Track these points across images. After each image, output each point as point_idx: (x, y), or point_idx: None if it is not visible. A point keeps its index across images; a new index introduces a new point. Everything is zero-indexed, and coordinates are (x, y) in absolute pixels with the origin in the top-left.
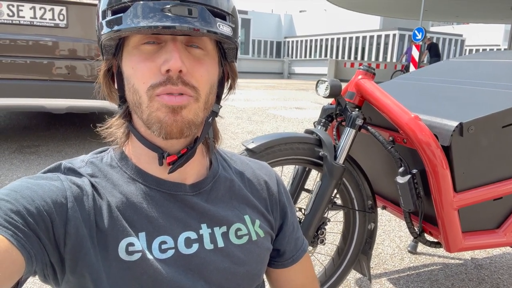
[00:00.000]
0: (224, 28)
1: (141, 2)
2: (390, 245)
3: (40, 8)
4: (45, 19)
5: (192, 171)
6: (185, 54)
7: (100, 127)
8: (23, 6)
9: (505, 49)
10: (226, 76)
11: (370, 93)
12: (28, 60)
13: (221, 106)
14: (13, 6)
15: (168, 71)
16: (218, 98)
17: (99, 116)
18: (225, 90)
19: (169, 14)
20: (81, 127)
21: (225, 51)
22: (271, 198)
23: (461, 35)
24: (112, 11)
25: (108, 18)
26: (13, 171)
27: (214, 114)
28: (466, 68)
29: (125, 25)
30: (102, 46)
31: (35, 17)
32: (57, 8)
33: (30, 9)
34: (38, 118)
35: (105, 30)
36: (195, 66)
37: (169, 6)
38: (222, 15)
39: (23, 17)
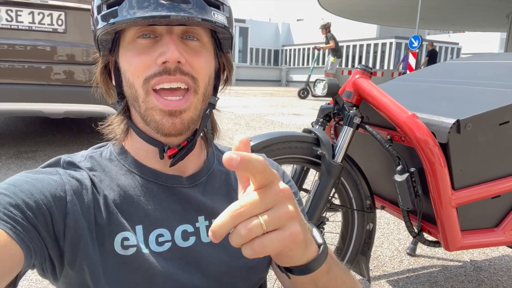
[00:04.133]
0: (219, 17)
1: None
2: (389, 247)
3: (38, 13)
4: (44, 24)
5: (190, 164)
6: (182, 47)
7: (101, 125)
8: (21, 11)
9: None
10: (222, 68)
11: (368, 92)
12: (26, 65)
13: (218, 98)
14: (11, 11)
15: (164, 62)
16: (215, 89)
17: (97, 120)
18: (222, 83)
19: (164, 2)
20: (79, 132)
21: (221, 42)
22: None
23: (457, 43)
24: (107, 5)
25: (103, 12)
26: (10, 176)
27: (212, 106)
28: (462, 69)
29: (121, 17)
30: (98, 41)
31: (33, 22)
32: (55, 13)
33: (29, 14)
34: (35, 123)
35: (101, 24)
36: (193, 57)
37: None
38: (216, 5)
39: (22, 22)
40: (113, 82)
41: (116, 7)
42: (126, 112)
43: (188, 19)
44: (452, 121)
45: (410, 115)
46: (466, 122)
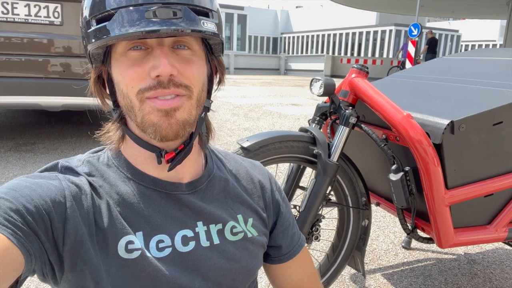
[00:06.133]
0: (208, 25)
1: (124, 8)
2: (385, 240)
3: (34, 6)
4: (40, 16)
5: (188, 170)
6: (174, 57)
7: (97, 133)
8: (17, 3)
9: (500, 44)
10: (214, 71)
11: (364, 91)
12: (23, 58)
13: (212, 101)
14: (7, 3)
15: (157, 76)
16: (209, 93)
17: (95, 113)
18: (215, 85)
19: (154, 18)
20: (77, 125)
21: (211, 47)
22: (264, 196)
23: (457, 31)
24: (96, 20)
25: (93, 28)
26: (9, 169)
27: (206, 109)
28: (459, 66)
29: (112, 34)
30: (90, 55)
31: (29, 15)
32: (51, 6)
33: (25, 6)
34: (33, 116)
35: (92, 40)
36: (185, 67)
37: (153, 9)
38: (205, 13)
39: (18, 14)
40: (107, 91)
41: (106, 23)
42: (121, 119)
43: (177, 32)
44: (446, 122)
45: (405, 116)
46: (460, 123)
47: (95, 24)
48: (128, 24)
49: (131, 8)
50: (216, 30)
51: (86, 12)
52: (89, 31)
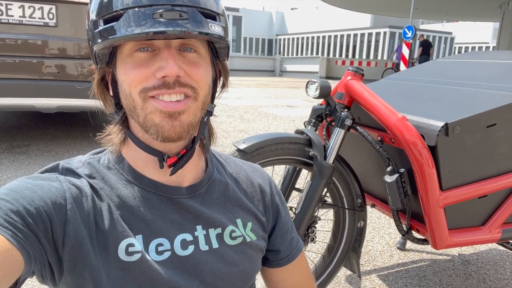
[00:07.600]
0: (215, 28)
1: (132, 9)
2: (380, 242)
3: (29, 7)
4: (34, 18)
5: (189, 174)
6: (181, 59)
7: (99, 135)
8: (11, 4)
9: (493, 47)
10: (219, 75)
11: (359, 94)
12: (18, 59)
13: (215, 105)
14: (1, 4)
15: (163, 77)
16: (212, 97)
17: (90, 115)
18: (218, 89)
19: (161, 19)
20: (71, 126)
21: (217, 51)
22: (264, 200)
23: (450, 33)
24: (104, 20)
25: (100, 28)
26: (3, 171)
27: (209, 113)
28: (453, 69)
29: (119, 34)
30: (95, 55)
31: (24, 16)
32: (46, 7)
33: (19, 7)
34: (28, 117)
35: (99, 40)
36: (193, 69)
37: (160, 11)
38: (212, 16)
39: (12, 16)
40: (111, 93)
41: (113, 23)
42: (124, 122)
43: (185, 33)
44: (440, 124)
45: (400, 118)
46: (454, 125)
47: (102, 24)
48: (135, 25)
49: (138, 9)
50: (222, 33)
51: (93, 14)
52: (95, 31)
